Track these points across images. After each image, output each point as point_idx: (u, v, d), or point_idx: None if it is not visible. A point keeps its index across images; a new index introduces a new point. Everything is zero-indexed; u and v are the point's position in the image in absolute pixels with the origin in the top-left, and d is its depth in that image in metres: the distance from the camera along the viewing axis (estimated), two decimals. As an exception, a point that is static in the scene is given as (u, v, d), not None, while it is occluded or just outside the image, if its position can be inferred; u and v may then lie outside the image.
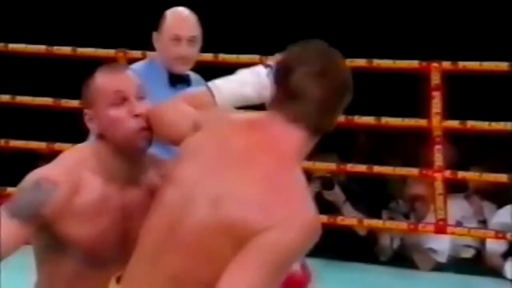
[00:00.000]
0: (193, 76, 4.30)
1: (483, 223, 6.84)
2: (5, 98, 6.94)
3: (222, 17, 7.72)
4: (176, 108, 2.74)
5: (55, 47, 6.82)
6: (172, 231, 2.39)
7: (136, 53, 6.67)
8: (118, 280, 2.41)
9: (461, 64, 6.40)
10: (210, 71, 3.93)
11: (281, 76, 2.43)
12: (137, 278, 2.45)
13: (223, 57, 6.60)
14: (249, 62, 5.51)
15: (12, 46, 6.93)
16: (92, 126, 2.74)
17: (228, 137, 2.46)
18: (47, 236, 2.72)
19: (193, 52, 4.19)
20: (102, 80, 2.74)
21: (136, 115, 2.67)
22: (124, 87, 2.72)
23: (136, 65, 4.13)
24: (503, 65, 6.29)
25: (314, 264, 6.35)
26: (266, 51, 6.34)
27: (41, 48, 6.91)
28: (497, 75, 6.39)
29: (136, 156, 2.73)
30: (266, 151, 2.40)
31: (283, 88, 2.42)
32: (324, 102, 2.40)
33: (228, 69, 3.01)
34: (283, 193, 2.35)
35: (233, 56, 6.52)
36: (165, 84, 4.14)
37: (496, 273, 6.48)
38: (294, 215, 2.31)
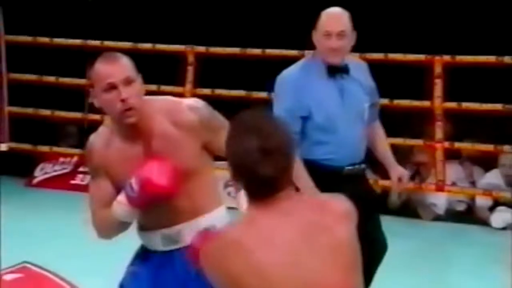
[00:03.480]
0: (357, 64, 3.99)
1: (473, 183, 6.88)
2: (207, 91, 7.00)
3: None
4: None
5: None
6: None
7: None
8: None
9: (458, 58, 6.55)
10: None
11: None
12: None
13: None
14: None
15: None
16: (94, 101, 2.84)
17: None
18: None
19: (343, 44, 3.79)
20: (99, 69, 2.79)
21: (122, 100, 2.74)
22: (114, 78, 2.75)
23: (298, 63, 3.95)
24: (491, 58, 6.46)
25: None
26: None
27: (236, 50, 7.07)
28: (487, 66, 6.50)
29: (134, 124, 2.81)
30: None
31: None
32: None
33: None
34: None
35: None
36: (324, 74, 3.85)
37: (483, 222, 6.55)
38: None
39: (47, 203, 7.03)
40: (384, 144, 4.13)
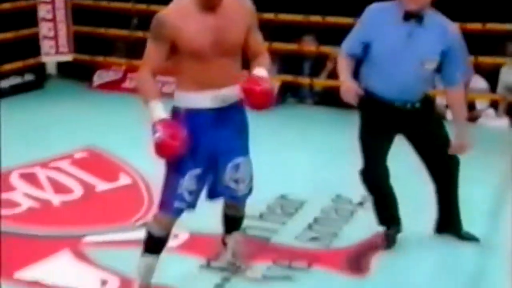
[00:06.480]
0: (439, 22, 3.65)
1: (434, 87, 6.64)
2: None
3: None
4: None
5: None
6: None
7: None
8: None
9: None
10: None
11: None
12: None
13: None
14: None
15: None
16: None
17: None
18: (175, 50, 3.06)
19: None
20: None
21: None
22: None
23: (385, 2, 3.72)
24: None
25: (329, 112, 6.81)
26: None
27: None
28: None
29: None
30: None
31: None
32: None
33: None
34: None
35: None
36: (400, 19, 3.60)
37: (441, 116, 6.40)
38: None
39: (104, 102, 7.15)
40: (457, 112, 3.82)
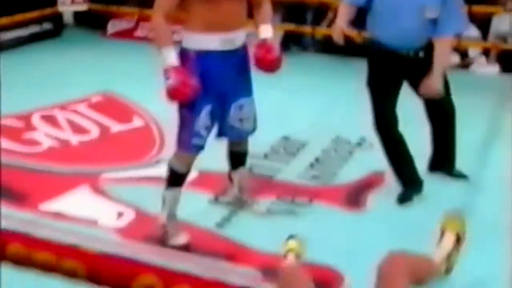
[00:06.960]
0: None
1: None
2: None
3: None
4: None
5: None
6: None
7: None
8: None
9: None
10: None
11: None
12: None
13: None
14: None
15: None
16: None
17: None
18: None
19: None
20: None
21: None
22: None
23: None
24: None
25: (330, 59, 6.80)
26: None
27: None
28: None
29: None
30: None
31: None
32: None
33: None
34: None
35: None
36: None
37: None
38: None
39: (117, 49, 7.16)
40: (437, 57, 3.62)
